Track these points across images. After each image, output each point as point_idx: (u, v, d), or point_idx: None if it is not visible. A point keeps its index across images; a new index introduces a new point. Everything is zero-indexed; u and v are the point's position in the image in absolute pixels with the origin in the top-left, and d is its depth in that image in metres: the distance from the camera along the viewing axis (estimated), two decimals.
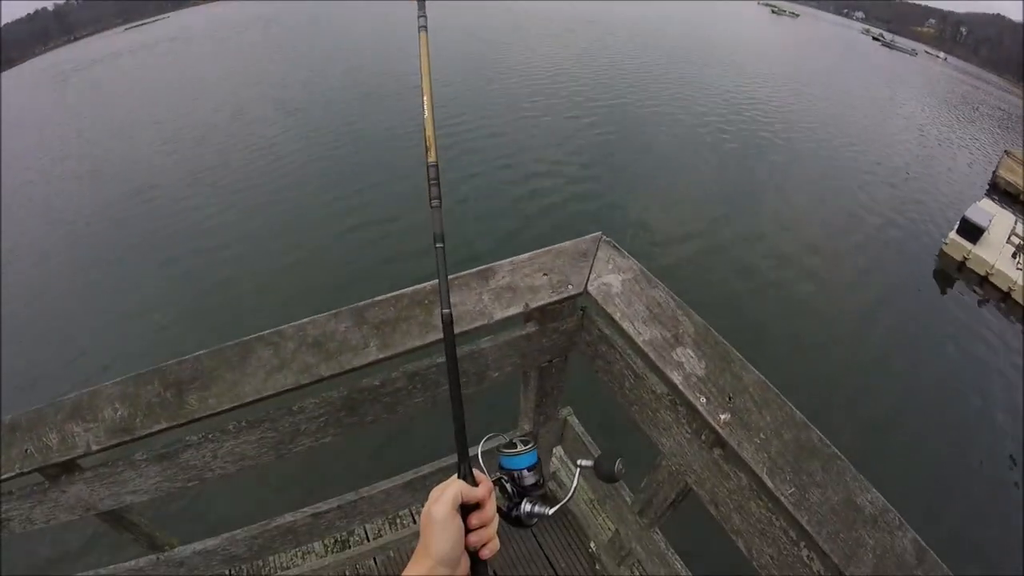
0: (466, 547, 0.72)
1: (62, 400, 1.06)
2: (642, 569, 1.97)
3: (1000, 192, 19.63)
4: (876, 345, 9.36)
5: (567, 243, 1.34)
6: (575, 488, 0.95)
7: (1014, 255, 12.78)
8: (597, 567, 2.22)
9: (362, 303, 1.18)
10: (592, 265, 1.31)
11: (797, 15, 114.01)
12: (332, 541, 2.24)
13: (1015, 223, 14.89)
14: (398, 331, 1.16)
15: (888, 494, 0.89)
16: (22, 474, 1.05)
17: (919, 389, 8.55)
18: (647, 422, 1.36)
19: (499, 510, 0.82)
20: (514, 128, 17.39)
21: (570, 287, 1.28)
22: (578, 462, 0.97)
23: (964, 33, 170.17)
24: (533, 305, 1.25)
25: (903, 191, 16.84)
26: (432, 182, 0.86)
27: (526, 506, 0.88)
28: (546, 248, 1.33)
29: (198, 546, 1.58)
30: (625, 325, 1.22)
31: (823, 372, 8.37)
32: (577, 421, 1.94)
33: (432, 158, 0.87)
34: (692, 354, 1.14)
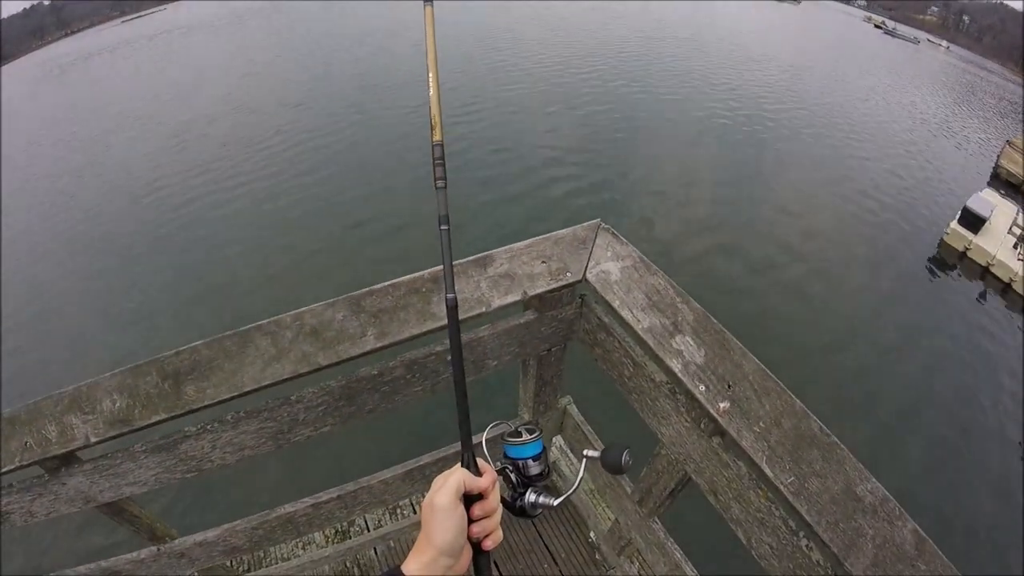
0: (468, 537, 0.70)
1: (61, 392, 1.05)
2: (641, 559, 1.97)
3: (1002, 182, 19.61)
4: (878, 336, 9.37)
5: (565, 230, 1.33)
6: (581, 479, 0.94)
7: (1015, 246, 12.76)
8: (597, 557, 2.23)
9: (359, 292, 1.17)
10: (591, 252, 1.30)
11: (799, 2, 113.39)
12: (332, 531, 2.24)
13: (1017, 213, 14.87)
14: (396, 320, 1.15)
15: (896, 485, 0.89)
16: (22, 467, 1.05)
17: (921, 377, 8.58)
18: (646, 411, 1.36)
19: (503, 500, 0.80)
20: (515, 118, 17.35)
21: (568, 274, 1.27)
22: (585, 452, 0.97)
23: (967, 21, 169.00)
24: (532, 293, 1.24)
25: (905, 180, 16.81)
26: (437, 162, 0.84)
27: (531, 496, 0.87)
28: (544, 235, 1.32)
29: (198, 537, 1.58)
30: (624, 313, 1.21)
31: (826, 363, 8.40)
32: (576, 410, 1.94)
33: (437, 137, 0.85)
34: (691, 342, 1.14)
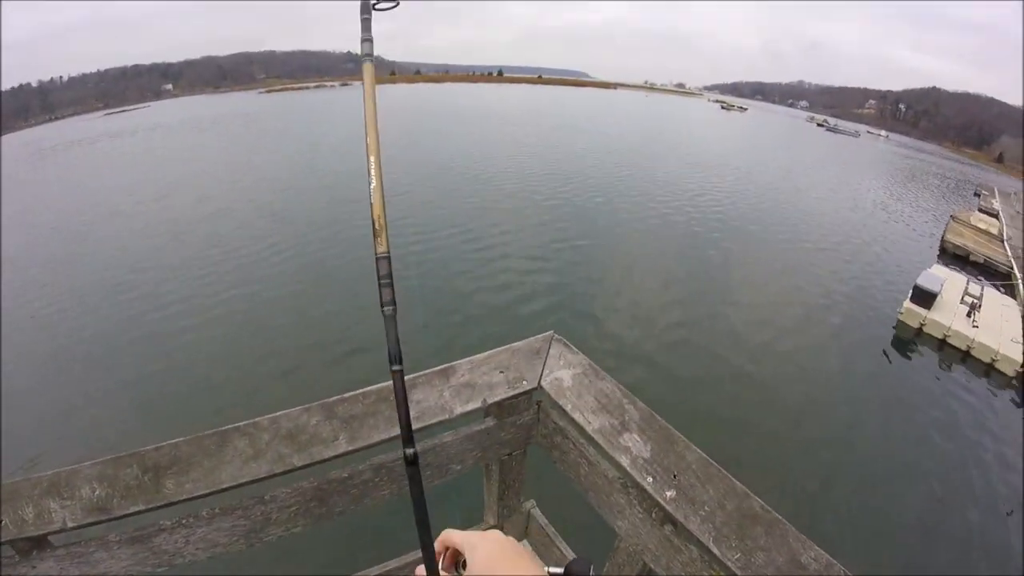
0: None
1: (40, 476, 1.07)
2: None
3: (949, 256, 20.80)
4: (844, 420, 9.49)
5: (521, 342, 1.47)
6: None
7: (968, 314, 13.37)
8: None
9: (332, 399, 1.27)
10: (545, 361, 1.43)
11: (745, 109, 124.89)
12: None
13: (967, 283, 15.73)
14: (365, 425, 1.24)
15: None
16: None
17: (889, 458, 8.71)
18: (603, 507, 1.42)
19: None
20: (475, 222, 18.00)
21: (525, 383, 1.39)
22: (548, 570, 0.93)
23: (903, 109, 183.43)
24: (491, 400, 1.35)
25: (856, 265, 17.67)
26: (383, 281, 0.71)
27: None
28: (502, 347, 1.45)
29: None
30: (576, 416, 1.32)
31: (791, 449, 8.51)
32: (540, 513, 1.97)
33: (383, 248, 0.70)
34: (638, 438, 1.24)
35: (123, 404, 8.89)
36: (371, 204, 0.70)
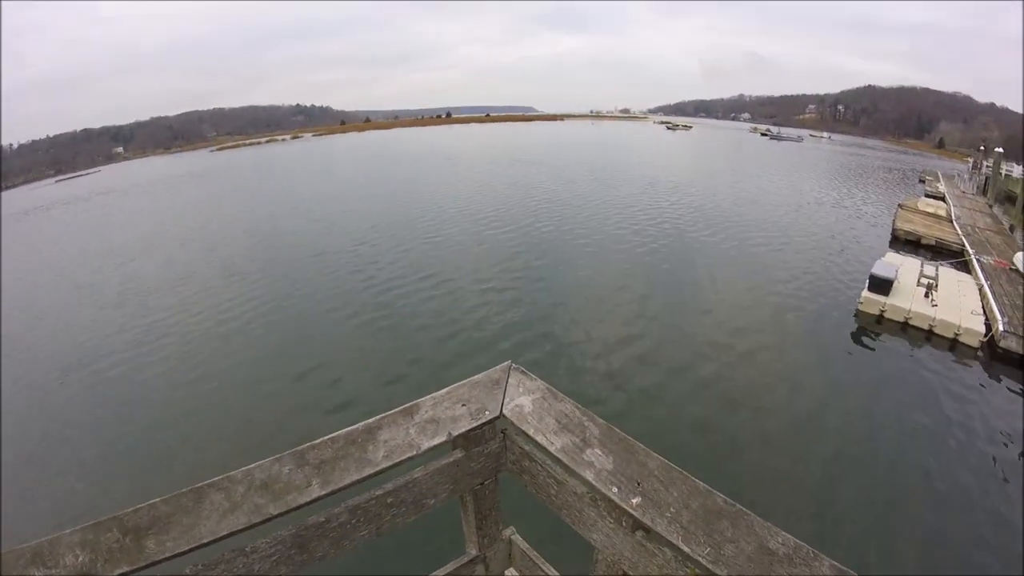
0: None
1: (22, 547, 1.07)
2: None
3: (901, 242, 21.63)
4: (815, 415, 9.58)
5: (481, 375, 1.55)
6: None
7: (926, 295, 13.88)
8: None
9: (301, 447, 1.31)
10: (505, 390, 1.51)
11: (690, 127, 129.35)
12: None
13: (921, 265, 16.43)
14: (337, 468, 1.28)
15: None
16: None
17: (867, 445, 8.79)
18: (577, 522, 1.47)
19: None
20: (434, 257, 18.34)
21: (487, 413, 1.47)
22: None
23: (842, 110, 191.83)
24: (456, 433, 1.42)
25: (813, 263, 18.12)
26: None
27: None
28: (462, 381, 1.53)
29: None
30: (539, 438, 1.39)
31: (773, 452, 8.50)
32: (521, 539, 2.00)
33: None
34: (600, 452, 1.31)
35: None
36: None
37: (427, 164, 51.36)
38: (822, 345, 12.32)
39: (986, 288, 14.78)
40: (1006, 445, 8.90)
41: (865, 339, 12.81)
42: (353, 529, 1.38)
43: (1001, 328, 12.10)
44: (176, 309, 15.50)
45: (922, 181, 43.30)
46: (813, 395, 10.21)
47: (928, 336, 12.80)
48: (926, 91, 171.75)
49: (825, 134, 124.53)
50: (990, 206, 31.13)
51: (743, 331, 12.77)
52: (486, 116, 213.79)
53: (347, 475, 1.28)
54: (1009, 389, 10.71)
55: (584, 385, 10.19)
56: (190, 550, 1.12)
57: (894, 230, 22.84)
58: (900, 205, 28.01)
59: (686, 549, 1.08)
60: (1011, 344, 11.71)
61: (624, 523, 1.30)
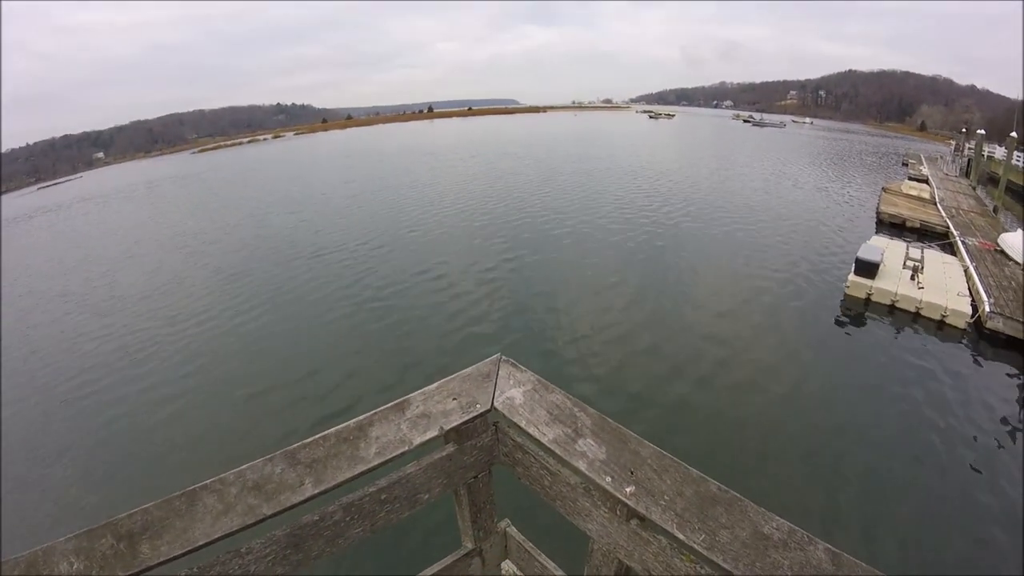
0: None
1: (17, 557, 1.06)
2: None
3: (886, 225, 21.85)
4: (810, 399, 9.63)
5: (470, 368, 1.55)
6: None
7: (912, 277, 14.02)
8: None
9: (293, 446, 1.31)
10: (495, 383, 1.51)
11: (672, 115, 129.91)
12: None
13: (906, 248, 16.57)
14: (329, 467, 1.28)
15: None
16: None
17: (858, 425, 8.89)
18: (571, 513, 1.48)
19: None
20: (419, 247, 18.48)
21: (478, 406, 1.47)
22: None
23: (824, 96, 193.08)
24: (448, 427, 1.42)
25: (800, 249, 18.21)
26: None
27: None
28: (452, 376, 1.53)
29: None
30: (531, 430, 1.39)
31: (770, 439, 8.55)
32: (517, 531, 2.00)
33: None
34: (592, 442, 1.32)
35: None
36: None
37: (409, 160, 51.27)
38: (808, 330, 12.40)
39: (971, 269, 14.95)
40: (1005, 423, 9.02)
41: (852, 323, 12.91)
42: (348, 527, 1.38)
43: (987, 309, 12.26)
44: (165, 313, 15.40)
45: (905, 164, 43.63)
46: (799, 379, 10.27)
47: (915, 318, 12.95)
48: (906, 75, 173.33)
49: (807, 119, 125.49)
50: (973, 188, 31.44)
51: (728, 316, 12.86)
52: (468, 109, 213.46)
53: (340, 473, 1.28)
54: (999, 370, 10.84)
55: (573, 377, 10.21)
56: (185, 553, 1.12)
57: (878, 213, 23.04)
58: (884, 188, 28.26)
59: (681, 536, 1.09)
60: (998, 324, 11.87)
61: (619, 512, 1.30)
